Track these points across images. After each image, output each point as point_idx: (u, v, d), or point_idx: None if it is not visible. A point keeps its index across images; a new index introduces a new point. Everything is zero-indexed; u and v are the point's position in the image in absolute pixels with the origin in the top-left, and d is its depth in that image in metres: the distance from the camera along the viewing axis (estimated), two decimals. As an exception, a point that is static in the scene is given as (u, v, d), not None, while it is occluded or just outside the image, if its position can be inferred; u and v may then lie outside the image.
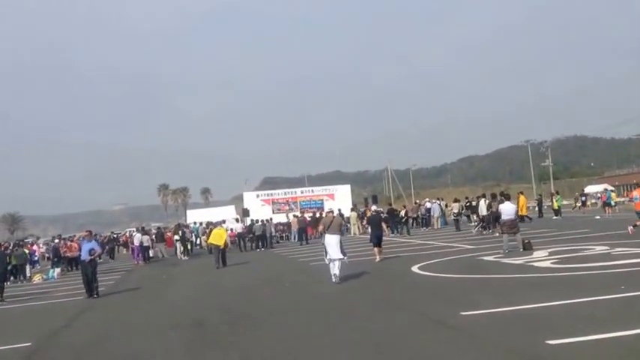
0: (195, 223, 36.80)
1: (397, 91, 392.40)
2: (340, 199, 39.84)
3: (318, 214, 35.56)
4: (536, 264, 12.27)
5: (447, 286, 10.69)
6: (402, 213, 29.98)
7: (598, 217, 28.57)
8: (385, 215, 31.19)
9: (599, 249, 13.78)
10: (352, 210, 35.51)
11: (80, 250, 16.24)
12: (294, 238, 32.75)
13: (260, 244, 28.65)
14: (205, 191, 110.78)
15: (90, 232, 15.36)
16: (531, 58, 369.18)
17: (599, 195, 55.63)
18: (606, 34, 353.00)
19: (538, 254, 13.87)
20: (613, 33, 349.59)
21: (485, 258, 14.40)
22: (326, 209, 38.80)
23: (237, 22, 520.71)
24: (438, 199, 33.90)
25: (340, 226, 13.35)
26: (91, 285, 14.18)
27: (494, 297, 8.88)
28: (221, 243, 20.67)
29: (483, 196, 28.00)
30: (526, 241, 15.27)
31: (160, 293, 14.20)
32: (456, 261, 14.75)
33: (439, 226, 30.63)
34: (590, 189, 59.38)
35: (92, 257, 14.08)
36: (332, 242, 12.42)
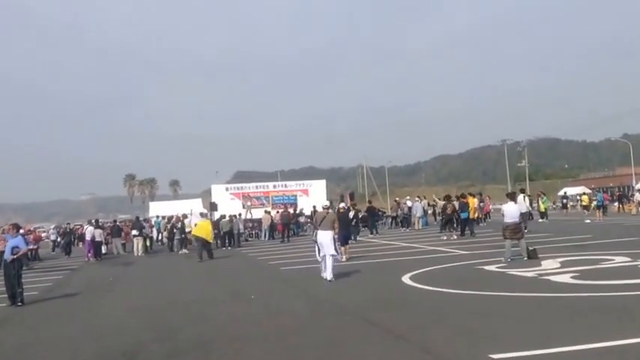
0: (157, 216, 34.17)
1: (372, 87, 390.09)
2: (315, 195, 37.43)
3: (292, 210, 33.41)
4: (552, 278, 10.25)
5: (454, 307, 8.43)
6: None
7: (588, 221, 27.03)
8: (364, 214, 29.37)
9: (620, 260, 11.87)
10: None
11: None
12: (265, 236, 30.61)
13: (227, 241, 26.28)
14: (174, 183, 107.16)
15: (15, 225, 12.58)
16: (499, 58, 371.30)
17: (578, 198, 54.95)
18: (578, 36, 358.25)
19: (547, 265, 11.91)
20: (586, 35, 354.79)
21: (487, 267, 12.33)
22: (301, 204, 36.88)
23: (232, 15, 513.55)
24: (419, 197, 31.84)
25: (334, 222, 12.41)
26: (14, 290, 11.67)
27: (522, 328, 6.76)
28: (205, 235, 19.88)
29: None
30: (531, 248, 13.32)
31: (97, 303, 11.71)
32: (453, 270, 12.69)
33: (420, 227, 28.65)
34: (568, 191, 58.56)
35: (15, 257, 11.53)
36: (324, 239, 12.01)
